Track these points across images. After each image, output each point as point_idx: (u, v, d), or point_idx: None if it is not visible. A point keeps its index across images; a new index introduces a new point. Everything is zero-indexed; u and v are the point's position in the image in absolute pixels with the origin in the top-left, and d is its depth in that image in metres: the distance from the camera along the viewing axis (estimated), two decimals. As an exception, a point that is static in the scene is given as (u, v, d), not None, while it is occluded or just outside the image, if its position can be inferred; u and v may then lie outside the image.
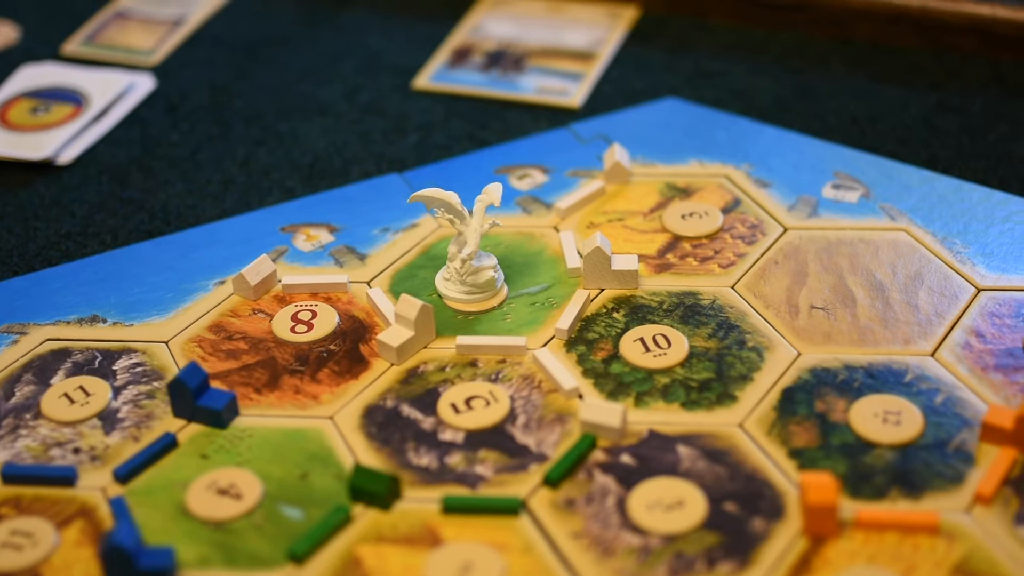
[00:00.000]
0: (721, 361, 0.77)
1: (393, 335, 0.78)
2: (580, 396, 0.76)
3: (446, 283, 0.83)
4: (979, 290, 0.81)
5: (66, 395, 0.77)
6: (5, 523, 0.70)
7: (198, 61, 1.09)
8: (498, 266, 0.83)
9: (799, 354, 0.77)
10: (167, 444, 0.74)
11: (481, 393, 0.76)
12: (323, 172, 0.95)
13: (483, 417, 0.75)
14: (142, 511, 0.71)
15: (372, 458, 0.73)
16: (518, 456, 0.73)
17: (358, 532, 0.69)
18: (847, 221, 0.86)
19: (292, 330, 0.80)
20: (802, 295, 0.81)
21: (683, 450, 0.72)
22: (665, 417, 0.74)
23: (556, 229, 0.87)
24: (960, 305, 0.80)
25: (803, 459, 0.71)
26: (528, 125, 0.98)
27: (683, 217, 0.87)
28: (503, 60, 1.05)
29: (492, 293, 0.82)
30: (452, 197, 0.82)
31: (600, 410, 0.73)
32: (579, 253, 0.84)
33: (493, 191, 0.82)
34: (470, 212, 0.82)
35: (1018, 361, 0.76)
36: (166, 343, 0.81)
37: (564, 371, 0.77)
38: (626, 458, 0.72)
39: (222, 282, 0.84)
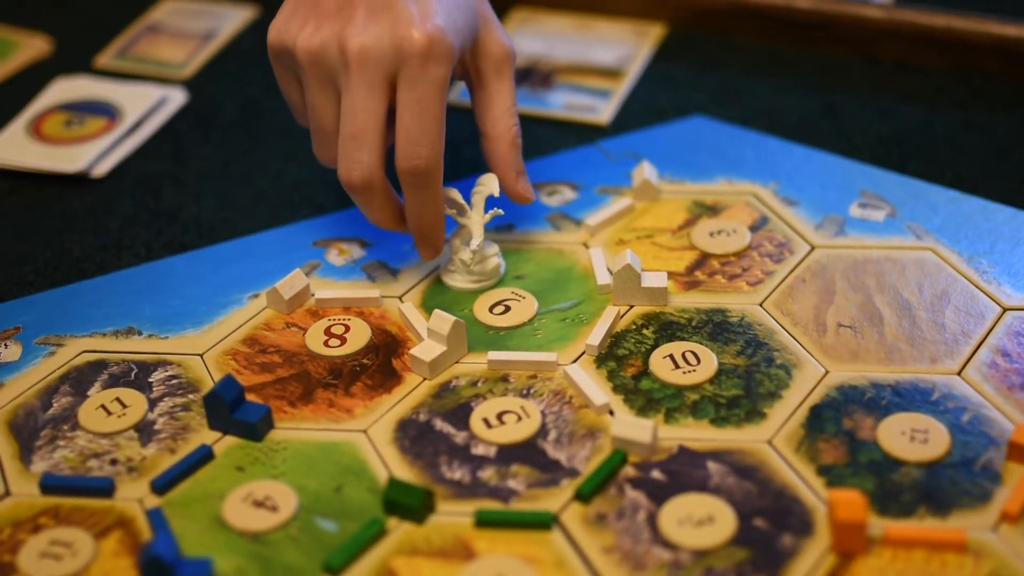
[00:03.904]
0: (750, 378, 0.78)
1: (426, 350, 0.79)
2: (611, 412, 0.76)
3: (452, 275, 0.85)
4: (1005, 309, 0.82)
5: (103, 407, 0.78)
6: (44, 533, 0.71)
7: (229, 75, 1.10)
8: (499, 252, 0.86)
9: (827, 372, 0.78)
10: (203, 456, 0.75)
11: (513, 408, 0.77)
12: (354, 187, 0.96)
13: (515, 432, 0.75)
14: (179, 522, 0.72)
15: (405, 472, 0.74)
16: (550, 471, 0.73)
17: (393, 545, 0.70)
18: (874, 240, 0.87)
19: (325, 344, 0.81)
20: (829, 313, 0.82)
21: (713, 466, 0.73)
22: (695, 433, 0.75)
23: (585, 246, 0.88)
24: (986, 324, 0.81)
25: (831, 476, 0.72)
26: (557, 142, 0.99)
27: (711, 235, 0.88)
28: (532, 76, 1.06)
29: (498, 279, 0.85)
30: (453, 192, 0.84)
31: (631, 426, 0.74)
32: (609, 270, 0.85)
33: (489, 181, 0.84)
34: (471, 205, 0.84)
35: (1044, 381, 0.77)
36: (201, 356, 0.82)
37: (595, 387, 0.77)
38: (656, 474, 0.73)
39: (256, 296, 0.85)
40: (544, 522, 0.71)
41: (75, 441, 0.77)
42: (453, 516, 0.71)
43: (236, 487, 0.73)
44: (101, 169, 0.99)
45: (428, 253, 0.84)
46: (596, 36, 1.10)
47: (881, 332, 0.81)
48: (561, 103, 1.03)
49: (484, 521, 0.71)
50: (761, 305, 0.83)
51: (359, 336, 0.82)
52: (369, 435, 0.76)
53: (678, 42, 1.10)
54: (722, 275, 0.85)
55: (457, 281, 0.85)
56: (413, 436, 0.76)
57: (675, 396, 0.77)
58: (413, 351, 0.79)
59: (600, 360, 0.80)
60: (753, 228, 0.88)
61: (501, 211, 0.85)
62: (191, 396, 0.79)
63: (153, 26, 1.15)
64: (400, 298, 0.85)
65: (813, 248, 0.87)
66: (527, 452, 0.75)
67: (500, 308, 0.83)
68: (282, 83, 0.85)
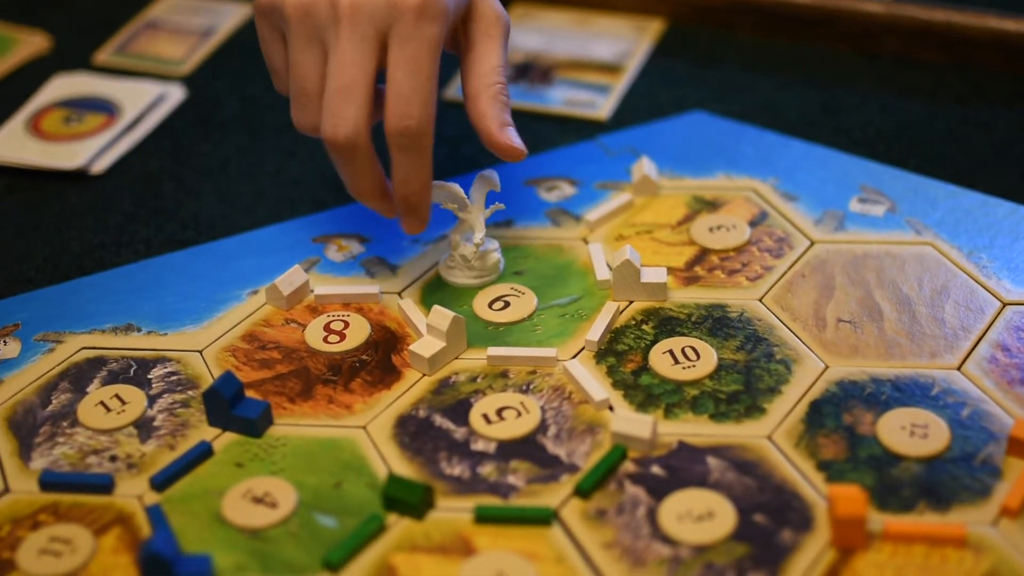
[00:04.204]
0: (749, 373, 0.78)
1: (425, 346, 0.79)
2: (610, 408, 0.76)
3: (452, 271, 0.85)
4: (1005, 304, 0.82)
5: (102, 403, 0.78)
6: (44, 530, 0.71)
7: (228, 71, 1.10)
8: (499, 248, 0.86)
9: (827, 367, 0.78)
10: (203, 452, 0.75)
11: (512, 404, 0.77)
12: (353, 183, 0.96)
13: (514, 427, 0.75)
14: (178, 519, 0.72)
15: (405, 468, 0.74)
16: (549, 466, 0.73)
17: (392, 541, 0.70)
18: (873, 235, 0.87)
19: (325, 340, 0.81)
20: (829, 308, 0.82)
21: (712, 461, 0.73)
22: (694, 429, 0.75)
23: (585, 241, 0.88)
24: (986, 319, 0.81)
25: (831, 471, 0.72)
26: (556, 137, 0.99)
27: (711, 230, 0.88)
28: (531, 72, 1.05)
29: (497, 274, 0.85)
30: (455, 187, 0.84)
31: (630, 422, 0.74)
32: (608, 265, 0.85)
33: (490, 177, 0.84)
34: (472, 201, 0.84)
35: (1044, 375, 0.77)
36: (200, 352, 0.82)
37: (594, 382, 0.77)
38: (656, 469, 0.73)
39: (255, 292, 0.85)
40: (544, 518, 0.71)
41: (74, 438, 0.77)
42: (453, 512, 0.71)
43: (235, 483, 0.73)
44: (100, 166, 0.99)
45: (413, 225, 0.81)
46: (595, 31, 1.10)
47: (881, 327, 0.81)
48: (560, 99, 1.03)
49: (484, 517, 0.71)
50: (761, 300, 0.83)
51: (358, 332, 0.82)
52: (368, 431, 0.76)
53: (677, 37, 1.10)
54: (721, 270, 0.85)
55: (456, 277, 0.85)
56: (412, 432, 0.76)
57: (675, 391, 0.77)
58: (412, 347, 0.79)
59: (599, 356, 0.80)
60: (752, 223, 0.88)
61: (503, 206, 0.85)
62: (190, 392, 0.79)
63: (152, 23, 1.15)
64: (399, 294, 0.85)
65: (813, 243, 0.87)
66: (527, 448, 0.75)
67: (499, 304, 0.83)
68: (265, 43, 0.83)
